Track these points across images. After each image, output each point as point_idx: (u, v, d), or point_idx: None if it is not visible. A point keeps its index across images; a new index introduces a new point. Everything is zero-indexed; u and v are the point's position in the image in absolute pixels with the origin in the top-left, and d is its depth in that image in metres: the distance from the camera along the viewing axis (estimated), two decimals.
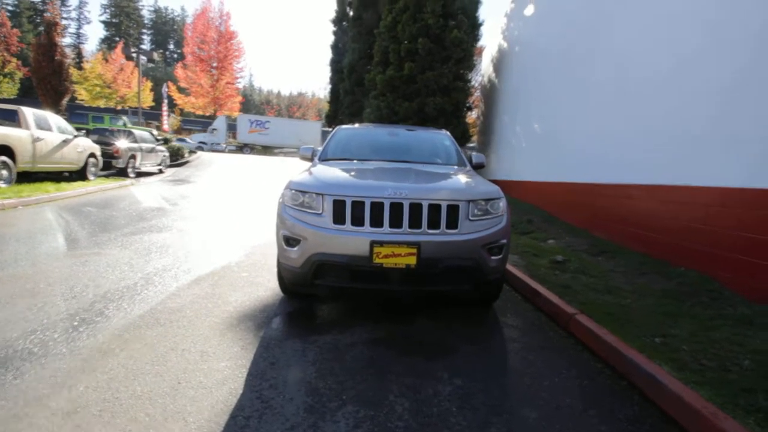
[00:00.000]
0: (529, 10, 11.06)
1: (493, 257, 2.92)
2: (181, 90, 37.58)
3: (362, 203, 2.77)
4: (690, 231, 4.47)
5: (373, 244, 2.69)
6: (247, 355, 2.51)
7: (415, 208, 2.76)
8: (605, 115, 6.63)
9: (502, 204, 3.09)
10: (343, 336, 2.87)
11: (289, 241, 2.92)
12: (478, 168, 4.26)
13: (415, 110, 13.79)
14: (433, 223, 2.78)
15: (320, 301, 3.51)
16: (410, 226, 2.75)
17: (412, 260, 2.69)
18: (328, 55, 18.17)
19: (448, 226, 2.79)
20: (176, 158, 18.18)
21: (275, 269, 4.20)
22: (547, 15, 9.90)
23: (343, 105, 20.13)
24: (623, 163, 5.89)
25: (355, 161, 4.01)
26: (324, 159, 4.17)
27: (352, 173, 3.40)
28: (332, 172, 3.33)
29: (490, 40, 14.84)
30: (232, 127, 41.37)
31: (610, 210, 6.12)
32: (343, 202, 2.80)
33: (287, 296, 3.51)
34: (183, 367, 2.32)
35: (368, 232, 2.73)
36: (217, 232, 6.15)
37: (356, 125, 5.17)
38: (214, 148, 34.15)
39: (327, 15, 35.46)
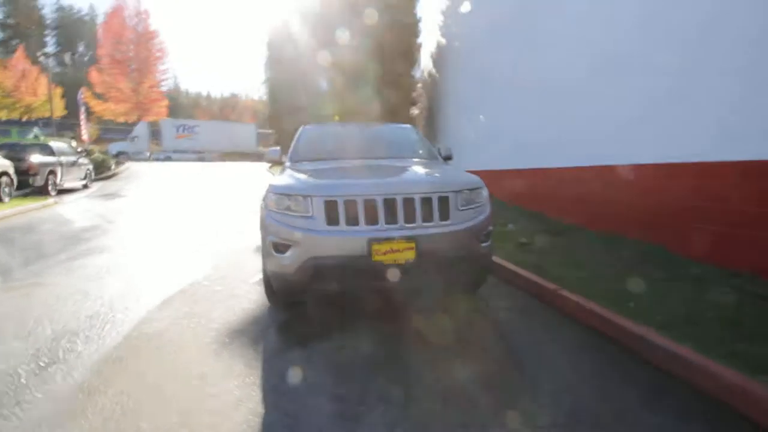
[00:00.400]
0: (465, 7, 11.51)
1: (482, 245, 3.02)
2: (97, 96, 34.04)
3: (354, 202, 2.72)
4: (633, 205, 4.98)
5: (371, 242, 2.66)
6: (253, 371, 2.36)
7: (409, 202, 2.77)
8: (545, 105, 7.12)
9: (485, 193, 3.21)
10: (347, 338, 2.82)
11: (278, 247, 2.78)
12: (448, 160, 4.37)
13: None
14: (426, 217, 2.81)
15: (312, 305, 3.40)
16: (405, 221, 2.76)
17: (411, 254, 2.70)
18: (263, 53, 17.53)
19: (440, 218, 2.84)
20: (102, 171, 16.52)
21: (252, 279, 4.01)
22: (478, 11, 10.37)
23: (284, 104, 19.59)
24: (570, 147, 6.38)
25: (329, 161, 3.93)
26: (295, 160, 4.03)
27: (335, 173, 3.33)
28: (313, 173, 3.24)
29: (428, 36, 15.22)
30: (157, 134, 38.33)
31: (561, 192, 6.59)
32: (335, 203, 2.73)
33: (276, 306, 3.35)
34: (187, 395, 2.12)
35: (364, 230, 2.69)
36: (169, 247, 5.69)
37: (320, 124, 5.05)
38: (135, 158, 31.21)
39: (259, 10, 33.83)
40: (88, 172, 14.14)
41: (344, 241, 2.68)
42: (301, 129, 4.76)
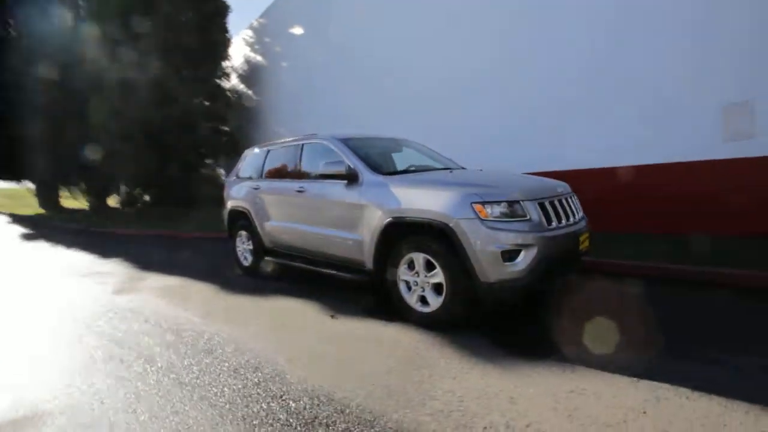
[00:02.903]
0: (298, 30, 11.62)
1: None
2: None
3: (545, 203, 2.80)
4: None
5: (578, 234, 2.86)
6: None
7: (566, 200, 3.09)
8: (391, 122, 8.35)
9: None
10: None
11: (507, 255, 2.51)
12: None
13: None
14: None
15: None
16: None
17: (588, 242, 3.06)
18: None
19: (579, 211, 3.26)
20: None
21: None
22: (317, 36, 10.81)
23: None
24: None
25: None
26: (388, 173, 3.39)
27: (482, 177, 3.12)
28: (486, 177, 3.08)
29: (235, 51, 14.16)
30: None
31: None
32: (543, 204, 2.75)
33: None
34: None
35: (565, 225, 2.83)
36: None
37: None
38: None
39: None
40: None
41: (564, 237, 2.75)
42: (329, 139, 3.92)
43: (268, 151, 4.57)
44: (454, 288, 2.62)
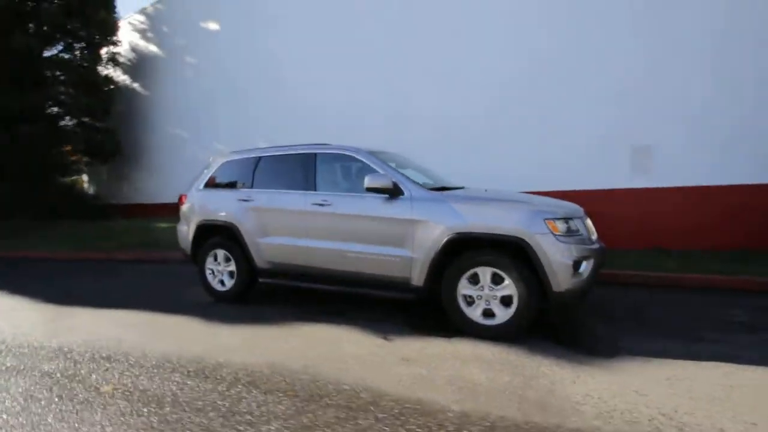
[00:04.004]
0: (213, 26, 10.53)
1: None
2: None
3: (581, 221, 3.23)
4: None
5: (603, 246, 3.36)
6: None
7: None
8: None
9: None
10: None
11: (576, 264, 2.81)
12: None
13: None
14: None
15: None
16: None
17: None
18: None
19: None
20: None
21: None
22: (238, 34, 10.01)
23: None
24: None
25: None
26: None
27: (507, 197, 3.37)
28: (529, 197, 3.33)
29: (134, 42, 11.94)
30: None
31: None
32: (583, 221, 3.15)
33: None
34: None
35: (596, 240, 3.27)
36: None
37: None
38: None
39: None
40: None
41: (600, 250, 3.18)
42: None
43: (259, 159, 4.09)
44: (528, 299, 2.81)
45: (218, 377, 2.43)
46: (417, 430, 1.87)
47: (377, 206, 3.31)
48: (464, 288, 3.00)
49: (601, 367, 2.48)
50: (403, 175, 3.39)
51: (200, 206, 4.24)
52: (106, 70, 11.23)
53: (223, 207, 4.06)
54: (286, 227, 3.73)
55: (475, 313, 2.97)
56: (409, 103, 7.55)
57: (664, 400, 2.08)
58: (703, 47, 5.52)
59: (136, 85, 12.24)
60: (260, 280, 3.91)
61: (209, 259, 4.17)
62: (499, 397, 2.14)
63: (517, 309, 2.83)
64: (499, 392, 2.19)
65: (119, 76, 12.18)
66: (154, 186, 11.80)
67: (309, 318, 3.49)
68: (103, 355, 2.82)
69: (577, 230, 2.96)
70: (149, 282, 5.20)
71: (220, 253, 4.10)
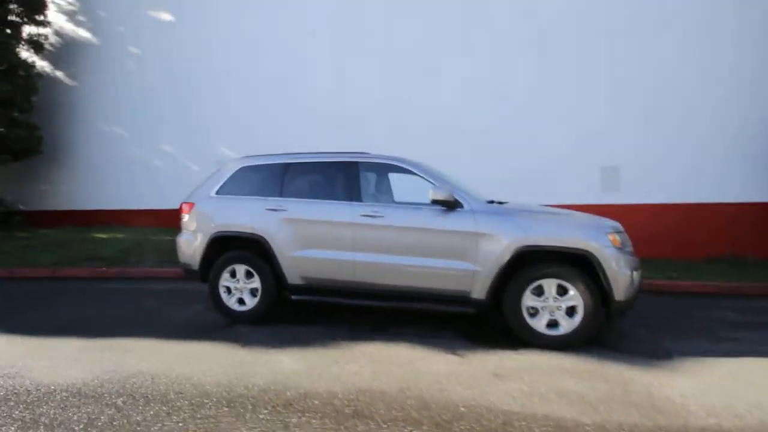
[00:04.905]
0: (166, 16, 9.56)
1: None
2: None
3: None
4: None
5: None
6: None
7: None
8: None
9: None
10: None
11: (633, 275, 3.04)
12: None
13: None
14: None
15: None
16: None
17: None
18: None
19: None
20: None
21: None
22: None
23: None
24: None
25: None
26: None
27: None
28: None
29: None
30: None
31: None
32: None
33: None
34: None
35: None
36: None
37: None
38: None
39: None
40: None
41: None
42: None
43: (288, 166, 3.79)
44: (594, 309, 2.97)
45: (312, 410, 2.16)
46: None
47: (436, 219, 3.26)
48: (529, 299, 3.07)
49: (671, 369, 2.71)
50: (458, 187, 3.39)
51: (215, 215, 3.78)
52: (25, 53, 9.52)
53: (247, 217, 3.67)
54: (329, 240, 3.49)
55: (539, 324, 3.06)
56: (362, 111, 7.70)
57: (745, 394, 2.33)
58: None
59: (59, 74, 10.56)
60: (293, 297, 3.59)
61: (225, 275, 3.72)
62: (615, 406, 2.21)
63: (584, 318, 2.97)
64: (610, 401, 2.27)
65: (38, 61, 10.40)
66: (80, 189, 10.21)
67: (356, 336, 3.29)
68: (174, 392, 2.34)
69: (627, 243, 3.22)
70: (135, 305, 4.39)
71: (240, 268, 3.68)
